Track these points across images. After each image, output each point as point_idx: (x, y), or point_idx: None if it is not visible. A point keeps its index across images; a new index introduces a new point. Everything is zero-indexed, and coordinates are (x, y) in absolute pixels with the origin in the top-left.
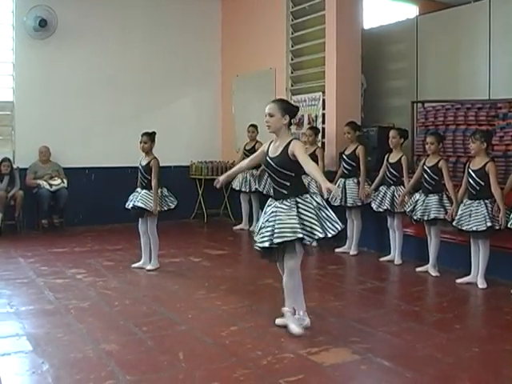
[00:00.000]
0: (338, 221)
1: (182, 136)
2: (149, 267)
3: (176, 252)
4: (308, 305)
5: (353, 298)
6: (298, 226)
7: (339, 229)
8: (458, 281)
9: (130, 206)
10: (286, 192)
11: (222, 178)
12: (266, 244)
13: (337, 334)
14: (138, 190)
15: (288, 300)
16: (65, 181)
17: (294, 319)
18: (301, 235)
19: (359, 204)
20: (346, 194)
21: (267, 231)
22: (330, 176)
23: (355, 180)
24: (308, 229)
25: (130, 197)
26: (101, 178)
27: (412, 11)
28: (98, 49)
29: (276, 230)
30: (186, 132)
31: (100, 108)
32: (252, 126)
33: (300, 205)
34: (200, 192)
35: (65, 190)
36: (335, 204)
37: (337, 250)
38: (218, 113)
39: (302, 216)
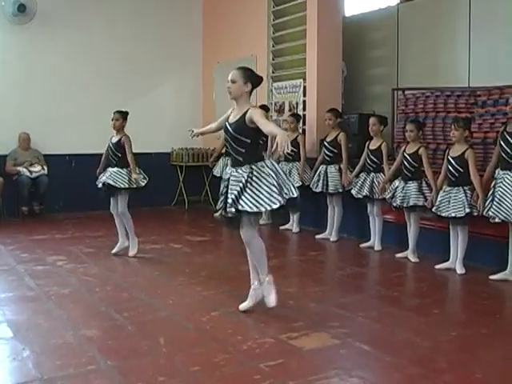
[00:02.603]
0: (294, 187)
1: (163, 123)
2: (131, 253)
3: (157, 238)
4: (288, 290)
5: (333, 284)
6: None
7: (295, 195)
8: (437, 266)
9: (100, 184)
10: (241, 159)
11: (196, 130)
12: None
13: (317, 319)
14: (109, 168)
15: (260, 268)
16: (45, 167)
17: (272, 288)
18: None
19: (341, 191)
20: (327, 180)
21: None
22: (311, 163)
23: (337, 167)
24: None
25: (101, 176)
26: (81, 165)
27: None
28: (79, 35)
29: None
30: (167, 119)
31: (81, 95)
32: None
33: (254, 172)
34: (181, 179)
35: (45, 176)
36: (316, 190)
37: (317, 236)
38: (199, 100)
39: (254, 184)
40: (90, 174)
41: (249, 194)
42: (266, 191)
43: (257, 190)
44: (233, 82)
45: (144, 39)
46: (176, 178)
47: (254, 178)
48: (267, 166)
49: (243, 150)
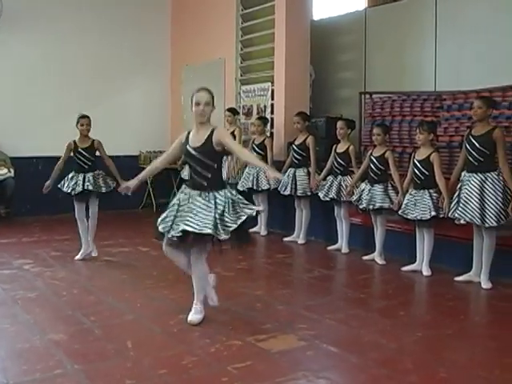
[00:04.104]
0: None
1: (131, 125)
2: (95, 253)
3: (124, 242)
4: (256, 293)
5: (300, 286)
6: (210, 222)
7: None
8: (404, 268)
9: (77, 190)
10: (205, 184)
11: (131, 182)
12: (180, 233)
13: (284, 321)
14: (85, 174)
15: (196, 293)
16: (11, 170)
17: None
18: (210, 231)
19: (309, 193)
20: (295, 183)
21: (182, 220)
22: (279, 166)
23: (305, 170)
24: (223, 223)
25: (72, 182)
26: (49, 168)
27: (361, 3)
28: (46, 37)
29: (191, 220)
30: (135, 121)
31: (47, 97)
32: None
33: (218, 200)
34: (149, 182)
35: (11, 179)
36: (285, 193)
37: (285, 239)
38: (168, 102)
39: (218, 211)
40: (58, 177)
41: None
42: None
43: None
44: (207, 104)
45: (112, 42)
46: (144, 181)
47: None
48: (229, 193)
49: (209, 175)
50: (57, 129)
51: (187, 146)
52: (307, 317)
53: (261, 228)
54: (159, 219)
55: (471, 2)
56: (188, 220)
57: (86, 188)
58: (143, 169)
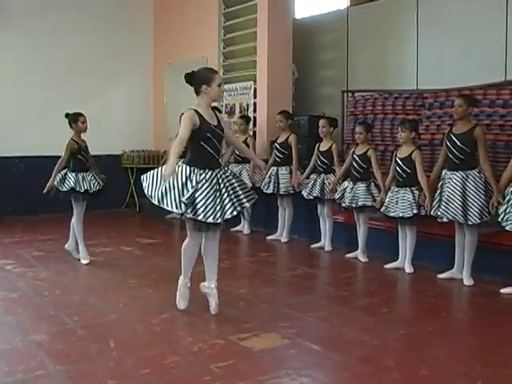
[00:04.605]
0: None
1: (114, 125)
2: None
3: (107, 241)
4: (239, 291)
5: (283, 285)
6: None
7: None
8: (386, 266)
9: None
10: (219, 160)
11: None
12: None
13: (267, 320)
14: (85, 174)
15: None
16: None
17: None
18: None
19: (291, 192)
20: (278, 182)
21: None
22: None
23: (287, 168)
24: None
25: (74, 180)
26: (32, 168)
27: (343, 2)
28: (27, 37)
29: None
30: (117, 121)
31: (30, 97)
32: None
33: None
34: (132, 181)
35: None
36: (268, 192)
37: (268, 237)
38: (150, 101)
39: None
40: (41, 177)
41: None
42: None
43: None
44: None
45: (94, 40)
46: (127, 180)
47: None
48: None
49: (222, 152)
50: (39, 129)
51: (209, 124)
52: (290, 315)
53: (244, 227)
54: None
55: (452, 0)
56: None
57: (91, 188)
58: (126, 168)
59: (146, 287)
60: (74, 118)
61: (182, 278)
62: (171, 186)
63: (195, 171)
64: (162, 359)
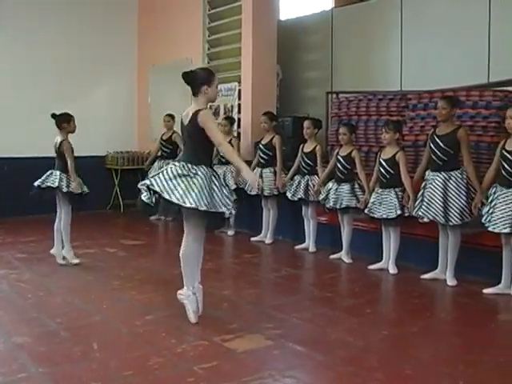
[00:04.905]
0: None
1: (98, 126)
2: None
3: (91, 243)
4: (223, 293)
5: (267, 286)
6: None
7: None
8: (370, 267)
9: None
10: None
11: (253, 176)
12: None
13: (251, 321)
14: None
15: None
16: None
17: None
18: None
19: (276, 193)
20: (262, 183)
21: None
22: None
23: (272, 169)
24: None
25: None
26: (15, 169)
27: (328, 3)
28: (12, 36)
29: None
30: (101, 122)
31: (13, 98)
32: (168, 115)
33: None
34: (116, 182)
35: None
36: (252, 193)
37: (252, 238)
38: (134, 102)
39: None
40: (24, 179)
41: None
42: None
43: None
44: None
45: (78, 42)
46: (111, 181)
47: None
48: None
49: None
50: (22, 130)
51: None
52: (274, 316)
53: (228, 228)
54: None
55: (436, 1)
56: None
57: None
58: (110, 170)
59: (129, 289)
60: (67, 118)
61: (184, 290)
62: (211, 189)
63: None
64: (145, 361)
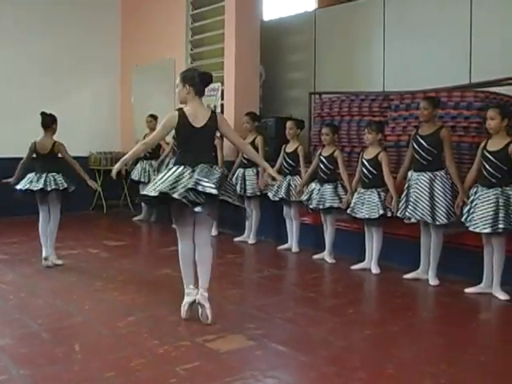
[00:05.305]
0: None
1: (81, 126)
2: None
3: (74, 244)
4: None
5: (250, 286)
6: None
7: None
8: (353, 267)
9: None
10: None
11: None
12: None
13: (233, 321)
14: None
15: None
16: None
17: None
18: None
19: (258, 194)
20: (245, 183)
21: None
22: (228, 166)
23: (254, 170)
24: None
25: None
26: None
27: (311, 4)
28: None
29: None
30: (84, 122)
31: None
32: (151, 116)
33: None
34: (99, 183)
35: None
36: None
37: (235, 239)
38: (117, 103)
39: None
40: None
41: None
42: None
43: None
44: (177, 86)
45: (61, 42)
46: (94, 182)
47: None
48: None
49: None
50: (5, 131)
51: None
52: (257, 316)
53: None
54: None
55: (419, 3)
56: None
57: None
58: (93, 170)
59: (112, 290)
60: (55, 118)
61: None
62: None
63: None
64: (127, 362)
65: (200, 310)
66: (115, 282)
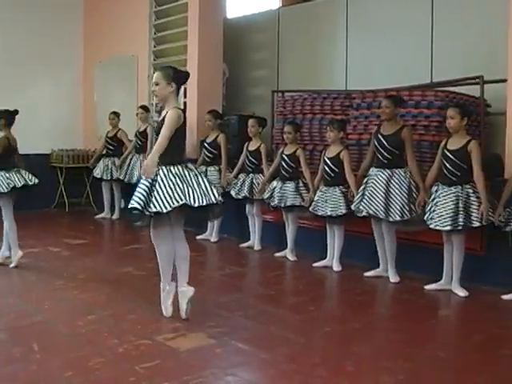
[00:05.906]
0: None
1: (42, 123)
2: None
3: (34, 242)
4: None
5: (212, 284)
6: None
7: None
8: (315, 264)
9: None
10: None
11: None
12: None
13: (194, 320)
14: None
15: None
16: None
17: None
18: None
19: (220, 191)
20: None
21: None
22: (191, 164)
23: (216, 167)
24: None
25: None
26: None
27: (275, 2)
28: None
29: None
30: (46, 119)
31: None
32: (113, 113)
33: None
34: (61, 181)
35: None
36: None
37: (198, 237)
38: (80, 99)
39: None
40: None
41: None
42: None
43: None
44: (156, 84)
45: (22, 38)
46: (56, 179)
47: None
48: None
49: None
50: None
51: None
52: (217, 314)
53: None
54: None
55: (381, 2)
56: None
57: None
58: (55, 168)
59: (72, 288)
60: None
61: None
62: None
63: None
64: (86, 361)
65: (184, 306)
66: (76, 280)
